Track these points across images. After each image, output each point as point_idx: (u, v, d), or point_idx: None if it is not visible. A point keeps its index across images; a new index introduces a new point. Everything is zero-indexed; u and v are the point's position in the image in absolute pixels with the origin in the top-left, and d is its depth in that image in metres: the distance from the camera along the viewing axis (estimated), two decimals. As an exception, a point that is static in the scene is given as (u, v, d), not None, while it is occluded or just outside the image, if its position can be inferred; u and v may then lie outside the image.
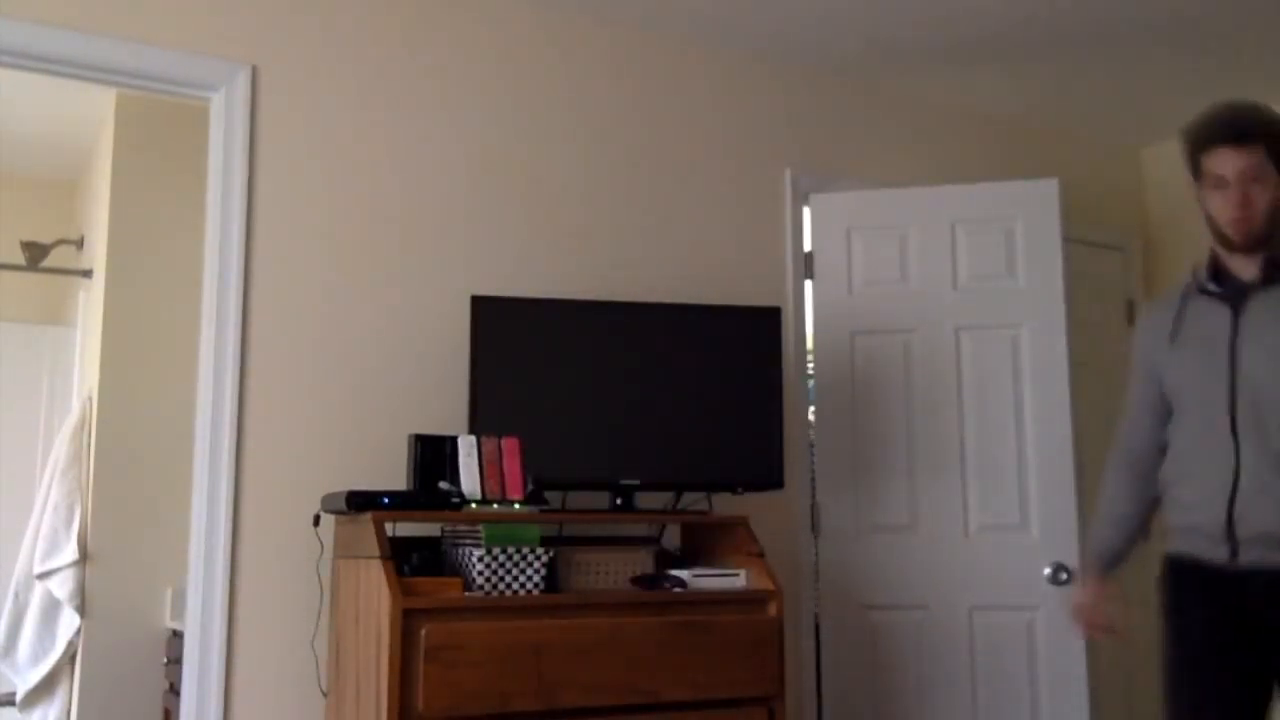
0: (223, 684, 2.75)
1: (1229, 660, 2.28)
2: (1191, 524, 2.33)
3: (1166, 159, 4.46)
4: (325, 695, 2.80)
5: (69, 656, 3.97)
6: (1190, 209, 4.34)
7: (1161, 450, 2.44)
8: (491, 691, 2.43)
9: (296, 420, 2.91)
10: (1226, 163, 2.29)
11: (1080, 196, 4.26)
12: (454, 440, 2.71)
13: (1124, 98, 4.08)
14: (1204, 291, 2.38)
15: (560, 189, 3.35)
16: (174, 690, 3.65)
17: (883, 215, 3.61)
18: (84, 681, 3.91)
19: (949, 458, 3.46)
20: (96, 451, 4.00)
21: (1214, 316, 2.34)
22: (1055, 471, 3.40)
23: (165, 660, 3.97)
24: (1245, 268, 2.34)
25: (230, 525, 2.80)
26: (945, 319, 3.53)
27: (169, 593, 4.01)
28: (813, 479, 3.59)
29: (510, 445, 2.69)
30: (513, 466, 2.67)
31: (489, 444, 2.68)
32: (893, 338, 3.53)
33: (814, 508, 3.55)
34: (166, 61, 2.89)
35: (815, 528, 3.54)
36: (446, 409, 3.06)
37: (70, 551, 3.90)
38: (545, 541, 2.64)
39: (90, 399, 4.07)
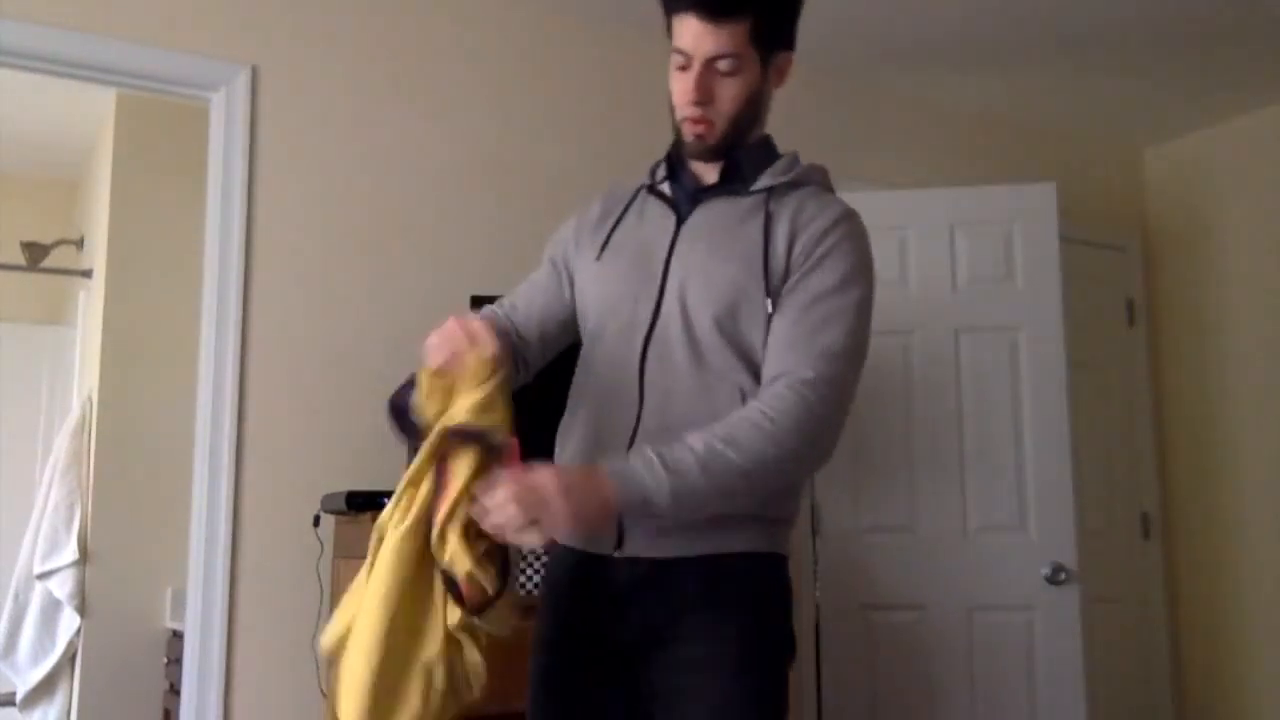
0: (223, 684, 2.75)
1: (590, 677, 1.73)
2: None
3: (1167, 159, 4.46)
4: (325, 695, 2.80)
5: (69, 656, 3.97)
6: (1191, 208, 4.37)
7: (522, 336, 1.86)
8: (491, 691, 2.43)
9: (296, 420, 2.91)
10: (691, 37, 1.61)
11: (1080, 197, 4.26)
12: (454, 440, 2.70)
13: (1124, 98, 4.08)
14: (655, 192, 1.77)
15: (560, 189, 3.35)
16: (174, 690, 3.65)
17: (882, 216, 3.60)
18: (84, 681, 3.92)
19: (948, 458, 3.46)
20: (96, 451, 3.99)
21: (657, 224, 1.73)
22: (1053, 472, 3.40)
23: (165, 660, 3.97)
24: (708, 169, 1.73)
25: (230, 525, 2.80)
26: (944, 321, 3.53)
27: (169, 593, 4.01)
28: (812, 479, 3.59)
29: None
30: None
31: (489, 444, 2.67)
32: (892, 339, 3.53)
33: (814, 508, 3.55)
34: (166, 61, 2.89)
35: (815, 528, 3.54)
36: (446, 409, 3.05)
37: (70, 551, 3.90)
38: (545, 542, 2.64)
39: (90, 399, 4.07)
